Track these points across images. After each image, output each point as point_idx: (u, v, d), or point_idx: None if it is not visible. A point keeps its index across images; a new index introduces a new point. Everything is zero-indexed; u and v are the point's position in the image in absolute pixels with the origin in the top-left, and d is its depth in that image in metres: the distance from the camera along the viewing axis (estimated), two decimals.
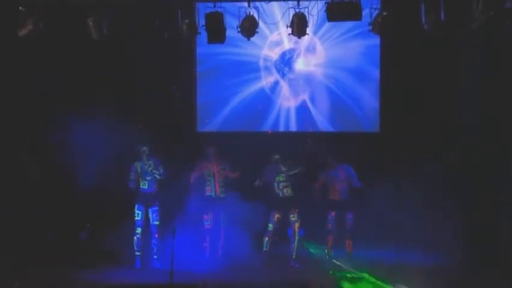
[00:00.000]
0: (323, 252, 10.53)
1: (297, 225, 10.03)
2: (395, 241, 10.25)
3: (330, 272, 9.62)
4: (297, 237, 10.04)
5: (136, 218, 9.86)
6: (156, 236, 9.90)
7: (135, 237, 9.87)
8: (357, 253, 10.25)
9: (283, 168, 10.08)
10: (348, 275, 9.34)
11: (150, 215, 9.90)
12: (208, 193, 10.23)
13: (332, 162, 10.25)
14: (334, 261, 10.11)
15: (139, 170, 9.87)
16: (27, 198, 10.99)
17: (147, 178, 9.88)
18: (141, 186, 9.89)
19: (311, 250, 10.83)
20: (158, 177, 9.85)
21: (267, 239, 10.10)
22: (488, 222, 10.30)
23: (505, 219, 10.04)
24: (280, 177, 10.07)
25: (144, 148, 9.86)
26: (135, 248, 9.88)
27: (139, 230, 9.86)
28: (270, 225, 10.09)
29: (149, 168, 9.85)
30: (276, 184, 10.07)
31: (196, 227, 10.17)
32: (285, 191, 10.05)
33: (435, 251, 10.22)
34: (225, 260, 9.96)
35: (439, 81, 11.32)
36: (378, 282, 8.96)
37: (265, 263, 9.96)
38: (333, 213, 10.13)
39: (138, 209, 9.87)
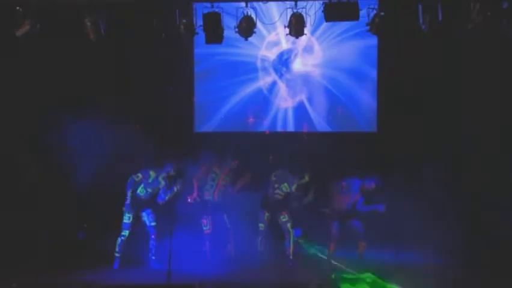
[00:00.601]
0: (322, 252, 10.47)
1: (289, 225, 10.03)
2: (395, 242, 10.24)
3: (331, 274, 9.58)
4: (291, 237, 10.04)
5: (125, 221, 9.76)
6: (153, 236, 9.85)
7: (119, 239, 9.78)
8: (356, 254, 10.24)
9: (296, 181, 9.96)
10: (348, 276, 9.30)
11: (145, 218, 9.84)
12: (206, 197, 10.22)
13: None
14: (332, 261, 10.06)
15: (150, 179, 9.81)
16: (25, 199, 10.98)
17: (148, 189, 9.82)
18: (138, 191, 9.83)
19: (309, 250, 10.80)
20: (159, 202, 9.83)
21: (260, 239, 10.08)
22: (488, 223, 10.32)
23: (505, 219, 10.05)
24: (284, 187, 10.01)
25: (172, 172, 9.82)
26: (116, 249, 9.77)
27: (125, 233, 9.76)
28: (261, 225, 10.07)
29: (158, 186, 9.80)
30: (275, 188, 10.02)
31: (195, 230, 10.15)
32: (277, 195, 10.02)
33: (435, 252, 10.23)
34: (222, 260, 9.96)
35: (437, 82, 11.33)
36: (379, 281, 8.95)
37: (261, 264, 9.94)
38: (337, 223, 10.05)
39: (128, 212, 9.81)
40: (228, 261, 9.87)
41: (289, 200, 10.02)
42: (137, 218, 9.83)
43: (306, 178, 9.88)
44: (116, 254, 9.80)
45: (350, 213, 10.00)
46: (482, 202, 10.65)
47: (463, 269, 9.50)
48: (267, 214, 10.04)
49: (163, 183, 9.82)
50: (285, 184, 9.95)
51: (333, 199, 10.07)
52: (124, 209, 9.77)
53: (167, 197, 9.79)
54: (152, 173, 9.79)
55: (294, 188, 9.91)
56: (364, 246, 10.04)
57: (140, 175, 9.75)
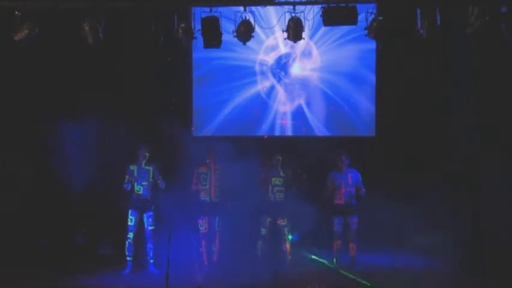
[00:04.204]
0: (328, 261, 10.44)
1: (286, 229, 10.04)
2: (393, 245, 10.25)
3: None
4: (288, 242, 10.06)
5: (129, 224, 9.89)
6: (151, 240, 9.91)
7: (127, 242, 9.89)
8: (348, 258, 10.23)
9: (281, 173, 10.10)
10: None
11: (145, 220, 9.91)
12: (202, 197, 10.22)
13: (343, 164, 10.16)
14: (340, 271, 10.00)
15: (135, 173, 9.86)
16: (22, 203, 10.96)
17: (143, 183, 9.87)
18: (135, 190, 9.87)
19: (316, 259, 10.76)
20: (162, 188, 9.86)
21: (260, 243, 10.12)
22: (488, 225, 10.33)
23: (504, 221, 10.06)
24: (277, 181, 10.09)
25: (146, 154, 9.86)
26: (127, 253, 9.92)
27: (131, 235, 9.89)
28: (263, 230, 10.12)
29: (148, 174, 9.84)
30: (271, 187, 10.08)
31: (192, 231, 10.16)
32: (277, 195, 10.09)
33: (433, 255, 10.23)
34: (220, 264, 9.96)
35: (435, 86, 11.35)
36: None
37: (259, 268, 9.93)
38: (339, 218, 10.08)
39: (132, 215, 9.88)
40: (225, 265, 9.87)
41: (287, 186, 10.12)
42: (141, 220, 9.86)
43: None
44: (128, 258, 9.91)
45: (353, 205, 10.02)
46: (482, 205, 10.66)
47: (463, 273, 9.52)
48: (269, 219, 10.07)
49: (150, 168, 9.87)
50: (277, 178, 10.08)
51: (336, 194, 10.12)
52: (128, 211, 9.86)
53: (162, 178, 9.87)
54: (133, 167, 9.87)
55: (282, 173, 10.09)
56: (355, 249, 10.04)
57: (127, 176, 9.84)
